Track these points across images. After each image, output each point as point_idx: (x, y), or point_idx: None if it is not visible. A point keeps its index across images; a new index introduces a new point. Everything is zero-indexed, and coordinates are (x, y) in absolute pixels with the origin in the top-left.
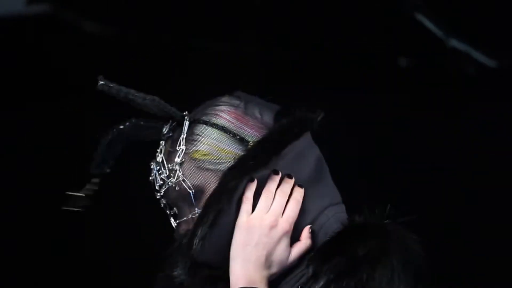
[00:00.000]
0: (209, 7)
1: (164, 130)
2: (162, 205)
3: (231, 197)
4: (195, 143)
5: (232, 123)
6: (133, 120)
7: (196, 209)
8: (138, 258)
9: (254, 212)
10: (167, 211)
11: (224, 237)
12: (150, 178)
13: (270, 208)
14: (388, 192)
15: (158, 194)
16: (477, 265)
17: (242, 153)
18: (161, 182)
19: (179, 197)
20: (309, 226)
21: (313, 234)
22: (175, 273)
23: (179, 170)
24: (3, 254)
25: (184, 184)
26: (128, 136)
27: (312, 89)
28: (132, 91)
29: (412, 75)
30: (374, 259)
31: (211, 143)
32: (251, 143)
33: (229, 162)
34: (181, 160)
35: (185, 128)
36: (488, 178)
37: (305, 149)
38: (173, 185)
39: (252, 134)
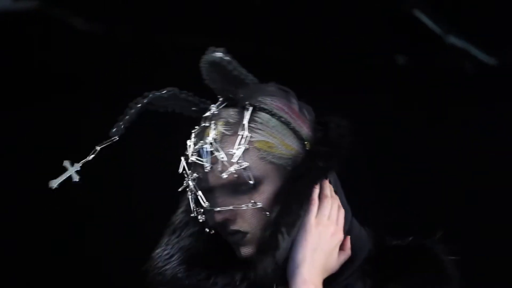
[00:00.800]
0: (208, 7)
1: (213, 110)
2: (191, 185)
3: (305, 198)
4: (260, 132)
5: (293, 119)
6: (174, 89)
7: (252, 201)
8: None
9: (318, 217)
10: (197, 194)
11: (292, 238)
12: (193, 157)
13: (330, 215)
14: (388, 192)
15: (198, 173)
16: (477, 265)
17: (307, 154)
18: (209, 164)
19: (231, 184)
20: (349, 236)
21: (351, 244)
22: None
23: (241, 157)
24: (3, 254)
25: (244, 173)
26: (163, 103)
27: (311, 88)
28: (244, 70)
29: (410, 73)
30: (435, 282)
31: (277, 136)
32: (307, 144)
33: (289, 158)
34: (245, 147)
35: (248, 114)
36: (488, 178)
37: None
38: (233, 171)
39: (307, 133)
